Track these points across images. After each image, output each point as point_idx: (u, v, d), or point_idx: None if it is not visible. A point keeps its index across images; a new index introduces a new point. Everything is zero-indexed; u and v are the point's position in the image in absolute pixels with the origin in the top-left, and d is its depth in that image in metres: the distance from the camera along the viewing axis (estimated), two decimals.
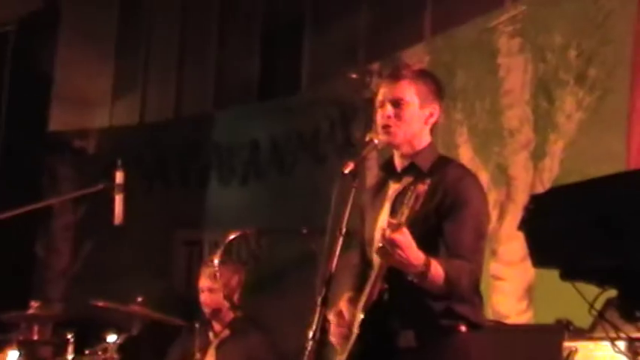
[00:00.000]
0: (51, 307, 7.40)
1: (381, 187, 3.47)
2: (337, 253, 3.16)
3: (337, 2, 7.46)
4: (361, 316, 3.19)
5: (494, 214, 5.23)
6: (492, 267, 5.33)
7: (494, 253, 5.34)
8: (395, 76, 3.35)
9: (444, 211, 3.20)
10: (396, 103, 3.31)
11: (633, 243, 2.42)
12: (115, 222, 4.81)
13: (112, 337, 5.06)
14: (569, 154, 5.10)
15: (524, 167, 5.38)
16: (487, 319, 3.67)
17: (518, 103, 5.48)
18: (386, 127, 3.31)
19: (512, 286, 5.32)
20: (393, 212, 3.20)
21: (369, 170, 5.51)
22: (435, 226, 3.19)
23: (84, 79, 8.95)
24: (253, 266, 7.02)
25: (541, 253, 2.56)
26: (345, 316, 3.35)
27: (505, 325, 4.90)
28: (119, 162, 4.86)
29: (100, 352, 5.08)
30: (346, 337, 3.29)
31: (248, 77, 8.19)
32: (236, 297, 5.43)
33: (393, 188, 3.38)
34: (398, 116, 3.30)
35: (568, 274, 2.61)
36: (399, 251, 2.98)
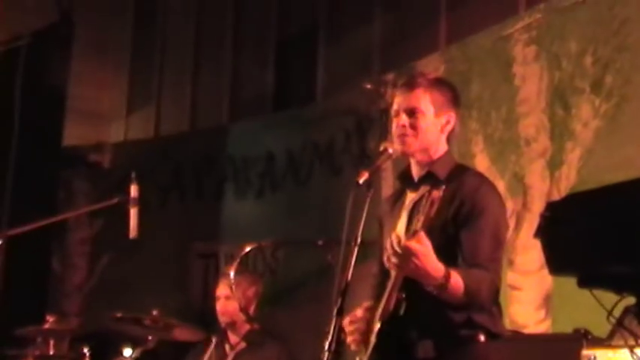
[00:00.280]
0: (67, 322, 7.39)
1: (398, 197, 3.46)
2: (352, 263, 3.14)
3: (352, 12, 7.45)
4: (378, 325, 3.16)
5: (510, 224, 5.19)
6: (509, 277, 5.29)
7: (511, 262, 5.31)
8: (410, 85, 3.33)
9: (462, 219, 3.17)
10: (411, 113, 3.29)
11: None
12: (131, 236, 4.80)
13: (128, 351, 5.05)
14: (586, 162, 5.06)
15: (540, 176, 5.35)
16: (506, 329, 3.64)
17: (534, 112, 5.45)
18: (401, 136, 3.29)
19: (529, 295, 5.28)
20: (410, 221, 3.19)
21: (385, 181, 5.50)
22: (453, 235, 3.17)
23: (98, 92, 8.98)
24: (269, 278, 7.00)
25: (558, 260, 2.54)
26: (359, 319, 3.30)
27: (523, 334, 4.86)
28: (133, 175, 4.85)
29: None
30: (363, 338, 3.25)
31: (263, 89, 8.20)
32: (252, 308, 5.41)
33: (410, 198, 3.36)
34: (413, 125, 3.29)
35: (586, 282, 2.58)
36: (415, 260, 2.96)
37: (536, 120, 5.43)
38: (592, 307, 3.20)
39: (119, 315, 5.23)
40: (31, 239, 4.77)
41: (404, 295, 3.11)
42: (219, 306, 5.42)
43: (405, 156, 3.35)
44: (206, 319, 5.86)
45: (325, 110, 7.38)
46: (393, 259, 3.03)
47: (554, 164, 5.27)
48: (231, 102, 8.52)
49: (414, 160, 3.37)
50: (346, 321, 3.25)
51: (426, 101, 3.29)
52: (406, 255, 2.96)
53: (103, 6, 9.09)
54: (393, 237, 3.09)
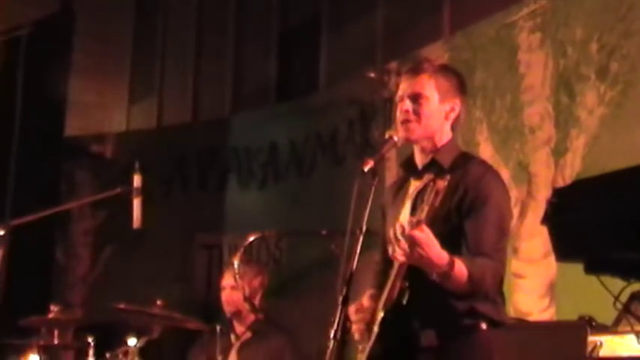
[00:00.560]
0: (71, 312, 7.40)
1: (402, 185, 3.44)
2: (357, 252, 3.12)
3: (354, 1, 7.43)
4: (381, 314, 3.16)
5: (515, 212, 5.18)
6: (513, 265, 5.28)
7: (515, 250, 5.30)
8: (415, 71, 3.31)
9: (466, 208, 3.16)
10: (415, 98, 3.27)
11: None
12: (134, 226, 4.78)
13: (132, 341, 5.04)
14: (591, 149, 5.04)
15: (545, 164, 5.33)
16: (509, 317, 3.63)
17: (538, 99, 5.43)
18: (404, 122, 3.27)
19: (533, 283, 5.27)
20: (414, 210, 3.16)
21: (388, 170, 5.48)
22: (457, 225, 3.15)
23: (100, 83, 8.95)
24: (273, 268, 7.00)
25: (565, 246, 2.53)
26: (365, 309, 3.30)
27: (527, 322, 4.86)
28: (136, 165, 4.83)
29: (121, 356, 5.05)
30: (368, 327, 3.24)
31: (265, 79, 8.18)
32: (257, 299, 5.40)
33: (414, 186, 3.34)
34: (416, 111, 3.26)
35: (593, 268, 2.57)
36: (419, 249, 2.94)
37: (540, 108, 5.41)
38: (596, 295, 3.20)
39: (123, 305, 5.22)
40: (34, 230, 4.77)
41: (407, 284, 3.11)
42: (225, 296, 5.42)
43: (408, 143, 3.32)
44: (210, 310, 5.85)
45: (328, 100, 7.36)
46: (398, 249, 3.01)
47: (558, 152, 5.25)
48: (233, 92, 8.50)
49: (418, 148, 3.35)
50: (352, 309, 3.25)
51: (430, 87, 3.27)
52: (410, 244, 2.94)
53: None
54: (397, 226, 3.08)
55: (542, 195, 5.18)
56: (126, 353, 5.08)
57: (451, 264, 3.00)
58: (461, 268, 3.02)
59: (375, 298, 3.29)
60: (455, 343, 3.15)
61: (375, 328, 3.18)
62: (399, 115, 3.30)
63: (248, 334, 5.40)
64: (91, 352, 5.17)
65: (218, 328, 5.15)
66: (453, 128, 3.36)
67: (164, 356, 6.24)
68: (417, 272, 3.05)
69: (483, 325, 3.16)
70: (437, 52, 6.17)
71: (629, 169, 2.54)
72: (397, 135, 3.28)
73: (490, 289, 3.14)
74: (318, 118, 7.33)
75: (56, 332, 5.75)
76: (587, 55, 5.13)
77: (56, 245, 8.53)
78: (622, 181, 2.52)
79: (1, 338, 6.17)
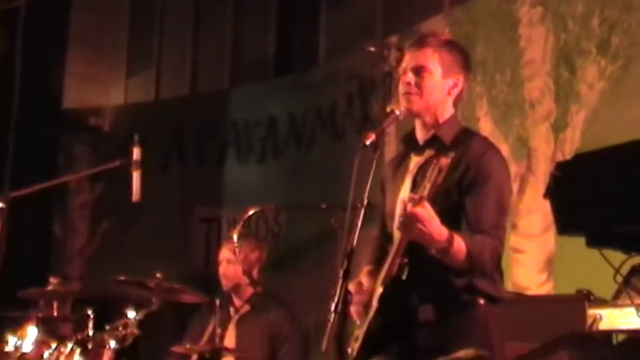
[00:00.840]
0: (70, 284, 7.41)
1: (402, 160, 3.42)
2: (359, 225, 3.12)
3: None
4: (380, 289, 3.16)
5: (514, 187, 5.19)
6: (512, 240, 5.29)
7: (514, 226, 5.31)
8: (419, 44, 3.29)
9: (466, 185, 3.16)
10: (418, 71, 3.25)
11: None
12: (133, 199, 4.76)
13: (131, 313, 5.04)
14: (591, 124, 5.04)
15: (545, 139, 5.33)
16: (507, 292, 3.64)
17: (539, 74, 5.42)
18: (406, 94, 3.26)
19: (532, 258, 5.30)
20: (415, 186, 3.17)
21: (388, 145, 5.47)
22: (457, 200, 3.15)
23: (98, 56, 8.92)
24: (272, 242, 7.00)
25: (567, 219, 2.52)
26: (364, 287, 3.31)
27: (525, 296, 4.88)
28: (136, 137, 4.81)
29: (120, 328, 5.06)
30: (365, 309, 3.25)
31: (264, 53, 8.14)
32: (255, 272, 5.40)
33: (415, 161, 3.33)
34: (418, 84, 3.25)
35: (594, 241, 2.57)
36: (421, 225, 2.95)
37: (541, 82, 5.40)
38: (595, 269, 3.20)
39: (122, 278, 5.22)
40: (32, 203, 4.76)
41: (406, 260, 3.11)
42: (222, 269, 5.42)
43: (409, 115, 3.30)
44: (208, 284, 5.85)
45: (327, 74, 7.34)
46: (399, 225, 3.02)
47: (558, 127, 5.25)
48: (232, 66, 8.46)
49: (419, 123, 3.34)
50: (352, 287, 3.25)
51: (434, 61, 3.25)
52: (413, 221, 2.94)
53: None
54: (399, 203, 3.07)
55: (542, 170, 5.19)
56: (125, 326, 5.09)
57: (450, 240, 3.01)
58: (460, 245, 3.03)
59: (373, 275, 3.29)
60: (453, 318, 3.16)
61: (375, 303, 3.18)
62: (401, 87, 3.28)
63: (247, 307, 5.40)
64: (90, 324, 5.17)
65: (217, 301, 5.15)
66: (455, 105, 3.34)
67: (163, 329, 6.25)
68: (416, 248, 3.06)
69: (481, 301, 3.16)
70: (437, 27, 6.14)
71: (632, 142, 2.53)
72: (399, 109, 3.27)
73: (488, 266, 3.14)
74: (318, 92, 7.31)
75: (55, 304, 5.77)
76: (588, 29, 5.11)
77: (54, 218, 8.53)
78: (625, 155, 2.51)
79: (0, 310, 6.17)
